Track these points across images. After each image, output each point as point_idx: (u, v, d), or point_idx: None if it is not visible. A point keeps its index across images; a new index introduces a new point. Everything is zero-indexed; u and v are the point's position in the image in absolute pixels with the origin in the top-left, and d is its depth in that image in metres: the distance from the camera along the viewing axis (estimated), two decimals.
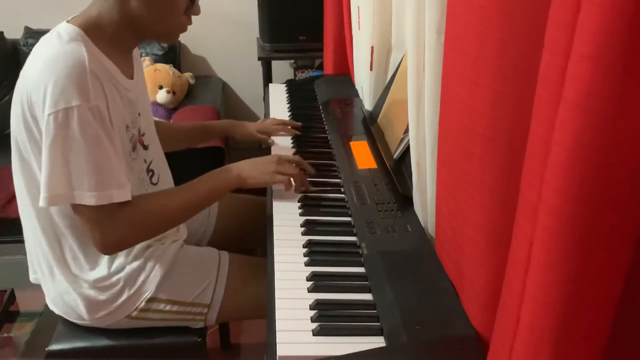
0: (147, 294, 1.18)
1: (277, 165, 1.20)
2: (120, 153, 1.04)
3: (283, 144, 1.50)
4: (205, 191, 1.14)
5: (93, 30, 1.04)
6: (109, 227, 1.02)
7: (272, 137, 1.52)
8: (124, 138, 1.09)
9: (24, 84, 1.00)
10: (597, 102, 0.46)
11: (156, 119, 1.37)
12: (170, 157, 1.33)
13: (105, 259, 1.15)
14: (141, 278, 1.17)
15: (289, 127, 1.56)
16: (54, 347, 1.21)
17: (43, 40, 1.04)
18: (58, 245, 1.13)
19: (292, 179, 1.22)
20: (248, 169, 1.17)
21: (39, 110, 0.97)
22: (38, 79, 0.96)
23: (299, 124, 1.57)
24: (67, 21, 1.05)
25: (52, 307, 1.22)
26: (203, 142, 1.60)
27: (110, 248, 1.06)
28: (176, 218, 1.15)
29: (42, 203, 0.98)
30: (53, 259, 1.14)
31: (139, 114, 1.17)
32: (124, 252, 1.16)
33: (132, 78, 1.15)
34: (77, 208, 1.01)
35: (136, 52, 1.22)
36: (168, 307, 1.19)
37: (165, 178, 1.29)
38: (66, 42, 1.00)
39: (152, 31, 1.11)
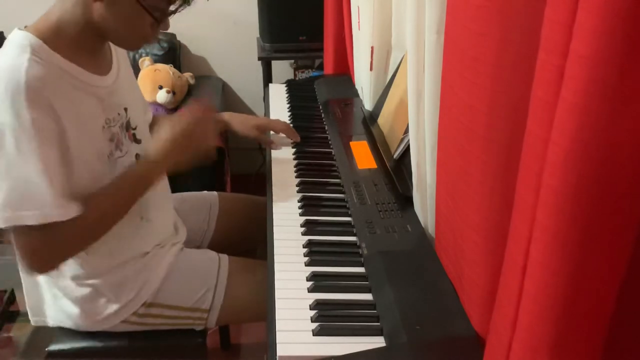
0: (146, 299, 1.17)
1: (195, 129, 1.12)
2: (72, 166, 0.99)
3: (282, 144, 1.49)
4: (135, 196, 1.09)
5: (52, 35, 1.00)
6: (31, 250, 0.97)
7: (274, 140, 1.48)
8: (97, 139, 1.05)
9: None
10: (594, 102, 0.46)
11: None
12: None
13: (103, 266, 1.13)
14: (139, 283, 1.17)
15: (288, 134, 1.49)
16: (54, 347, 1.21)
17: None
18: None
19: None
20: (173, 156, 1.10)
21: None
22: None
23: (298, 138, 1.50)
24: (25, 28, 1.00)
25: (48, 322, 1.21)
26: None
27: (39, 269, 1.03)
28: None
29: None
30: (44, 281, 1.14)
31: (125, 109, 1.13)
32: (123, 257, 1.14)
33: (106, 73, 1.10)
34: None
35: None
36: (167, 312, 1.19)
37: None
38: (14, 56, 0.94)
39: (115, 37, 1.08)
